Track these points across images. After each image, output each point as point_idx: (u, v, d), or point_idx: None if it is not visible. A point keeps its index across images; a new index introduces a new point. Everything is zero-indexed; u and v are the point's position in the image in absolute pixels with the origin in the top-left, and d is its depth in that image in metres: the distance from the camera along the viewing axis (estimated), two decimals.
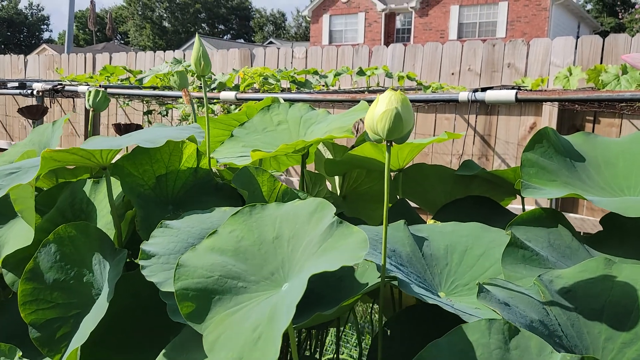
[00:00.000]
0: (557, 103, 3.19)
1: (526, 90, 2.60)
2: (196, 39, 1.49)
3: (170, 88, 3.18)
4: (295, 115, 1.71)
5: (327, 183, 1.83)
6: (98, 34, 41.12)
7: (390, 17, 23.36)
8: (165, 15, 48.24)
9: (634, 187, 1.23)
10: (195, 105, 3.10)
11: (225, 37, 51.80)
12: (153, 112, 4.50)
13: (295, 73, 3.26)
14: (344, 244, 0.73)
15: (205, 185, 1.38)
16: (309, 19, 25.55)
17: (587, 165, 1.31)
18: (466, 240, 1.18)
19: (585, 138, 1.37)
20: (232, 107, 2.48)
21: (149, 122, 4.83)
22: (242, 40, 46.89)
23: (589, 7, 35.19)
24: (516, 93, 1.58)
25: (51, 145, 1.48)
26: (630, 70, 2.76)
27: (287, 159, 1.86)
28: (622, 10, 33.42)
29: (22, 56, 6.55)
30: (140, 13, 46.97)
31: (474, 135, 3.90)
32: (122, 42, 47.62)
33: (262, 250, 0.78)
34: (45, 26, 48.96)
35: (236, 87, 3.05)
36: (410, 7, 21.78)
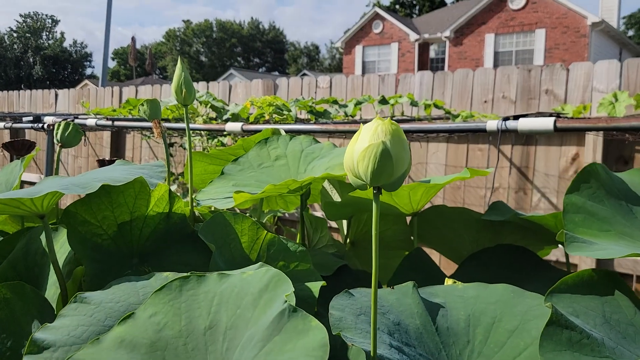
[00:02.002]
0: (602, 132, 2.88)
1: (566, 117, 2.32)
2: (178, 63, 1.30)
3: (182, 120, 3.04)
4: (296, 149, 1.50)
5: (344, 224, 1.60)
6: (138, 69, 42.62)
7: (423, 46, 23.23)
8: (202, 49, 49.70)
9: None
10: (205, 138, 2.94)
11: (260, 69, 52.90)
12: (175, 144, 4.39)
13: (313, 103, 3.07)
14: (293, 349, 0.49)
15: (180, 233, 1.16)
16: (341, 51, 25.71)
17: None
18: (494, 309, 0.91)
19: None
20: (240, 139, 2.30)
21: (170, 155, 4.73)
22: (276, 73, 47.72)
23: (630, 33, 34.27)
24: (555, 121, 1.32)
25: (13, 186, 1.30)
26: None
27: (295, 198, 1.64)
28: None
29: (53, 90, 6.65)
30: (178, 48, 48.55)
31: (510, 167, 3.60)
32: (161, 76, 49.15)
33: (189, 346, 0.55)
34: (87, 62, 51.08)
35: (248, 119, 2.88)
36: (444, 37, 21.61)
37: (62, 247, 1.13)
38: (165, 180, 1.21)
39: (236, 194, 1.17)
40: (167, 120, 3.07)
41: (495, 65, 19.59)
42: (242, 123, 2.18)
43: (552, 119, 1.41)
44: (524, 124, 1.47)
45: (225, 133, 2.54)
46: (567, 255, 1.21)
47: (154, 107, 1.14)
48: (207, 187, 1.41)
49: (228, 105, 3.17)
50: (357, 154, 0.63)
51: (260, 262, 0.72)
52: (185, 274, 0.63)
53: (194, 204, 1.30)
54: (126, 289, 0.73)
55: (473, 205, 3.77)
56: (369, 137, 0.62)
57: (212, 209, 1.29)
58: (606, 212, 1.02)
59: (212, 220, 1.03)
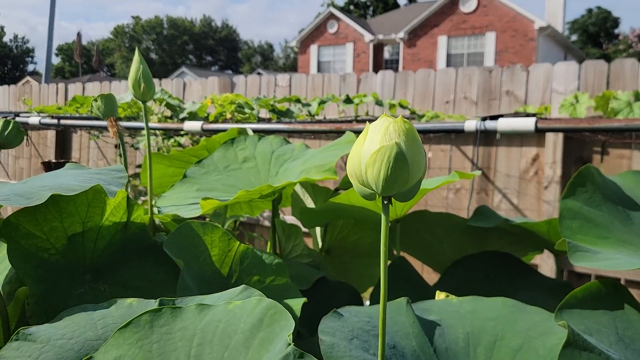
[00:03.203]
0: (562, 134, 2.90)
1: (545, 118, 2.31)
2: (136, 55, 1.17)
3: (134, 118, 2.85)
4: (266, 150, 1.39)
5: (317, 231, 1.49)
6: (84, 66, 41.03)
7: (378, 47, 23.42)
8: (152, 47, 48.38)
9: None
10: (161, 138, 2.77)
11: (212, 68, 52.03)
12: (125, 144, 4.16)
13: (275, 101, 2.95)
14: None
15: (139, 245, 1.03)
16: (296, 50, 25.59)
17: None
18: (495, 325, 0.84)
19: (637, 179, 1.06)
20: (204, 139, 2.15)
21: (121, 156, 4.49)
22: (230, 71, 47.04)
23: (574, 38, 35.85)
24: (536, 122, 1.27)
25: None
26: None
27: (262, 203, 1.52)
28: (606, 42, 34.07)
29: None
30: (127, 45, 47.07)
31: (472, 168, 3.59)
32: (109, 74, 47.46)
33: None
34: (30, 59, 48.68)
35: (207, 118, 2.73)
36: (399, 38, 21.86)
37: (0, 264, 0.98)
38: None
39: (204, 200, 1.05)
40: (118, 118, 2.88)
41: (448, 67, 19.96)
42: (202, 122, 2.04)
43: (533, 119, 1.36)
44: (503, 125, 1.41)
45: (182, 132, 2.39)
46: (557, 264, 1.16)
47: (109, 104, 1.00)
48: (168, 191, 1.28)
49: (184, 104, 3.01)
50: (365, 158, 0.53)
51: (243, 286, 0.61)
52: (156, 307, 0.52)
53: (154, 211, 1.17)
54: (81, 320, 0.60)
55: (435, 207, 3.75)
56: (380, 137, 0.52)
57: (175, 216, 1.16)
58: (604, 218, 0.96)
59: (178, 231, 0.91)
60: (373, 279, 1.36)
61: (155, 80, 5.55)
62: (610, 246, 0.93)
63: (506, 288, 1.13)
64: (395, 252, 1.26)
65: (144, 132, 2.99)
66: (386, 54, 23.68)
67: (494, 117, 1.49)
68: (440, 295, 0.95)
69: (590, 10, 36.57)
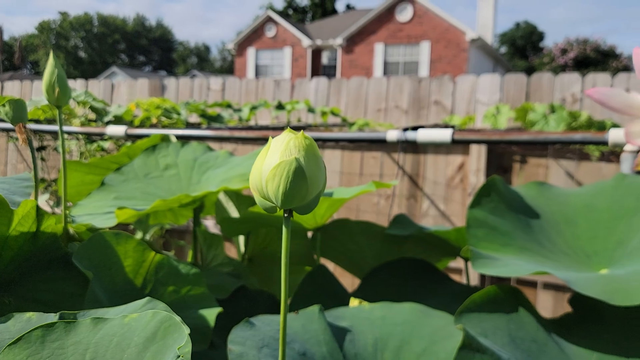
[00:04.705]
0: (486, 143, 3.05)
1: (461, 130, 2.42)
2: (50, 58, 1.12)
3: (54, 121, 2.73)
4: (188, 157, 1.37)
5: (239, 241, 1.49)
6: (5, 62, 38.62)
7: (316, 53, 23.62)
8: (81, 44, 46.29)
9: (601, 252, 0.99)
10: (83, 142, 2.66)
11: (146, 68, 50.47)
12: (48, 147, 3.96)
13: (206, 106, 2.91)
14: None
15: (50, 256, 0.99)
16: (233, 53, 25.33)
17: (545, 223, 1.06)
18: (401, 331, 0.87)
19: (540, 189, 1.14)
20: (130, 144, 2.08)
21: (42, 159, 4.28)
22: (164, 72, 45.78)
23: (503, 50, 37.74)
24: (452, 133, 1.33)
25: None
26: (558, 109, 2.66)
27: (187, 211, 1.50)
28: (532, 54, 36.15)
29: None
30: (53, 42, 44.77)
31: (402, 175, 3.71)
32: (33, 71, 44.91)
33: None
34: None
35: (133, 123, 2.65)
36: (337, 44, 22.15)
37: None
38: (32, 194, 1.02)
39: (119, 210, 1.03)
40: (38, 121, 2.74)
41: (385, 74, 20.48)
42: (125, 127, 1.98)
43: (450, 130, 1.42)
44: (422, 136, 1.47)
45: (106, 137, 2.31)
46: (467, 272, 1.23)
47: (18, 109, 0.96)
48: (84, 200, 1.24)
49: (110, 106, 2.91)
50: (266, 173, 0.54)
51: (148, 298, 0.61)
52: (49, 322, 0.50)
53: (69, 221, 1.13)
54: None
55: (367, 212, 3.83)
56: (280, 153, 0.54)
57: (91, 226, 1.13)
58: (507, 226, 1.03)
59: (89, 242, 0.88)
60: (295, 287, 1.38)
61: (82, 81, 5.32)
62: (511, 253, 1.00)
63: (420, 293, 1.17)
64: (316, 259, 1.29)
65: (65, 135, 2.85)
66: (324, 60, 23.93)
67: (415, 128, 1.55)
68: (353, 302, 0.98)
69: (518, 24, 38.68)
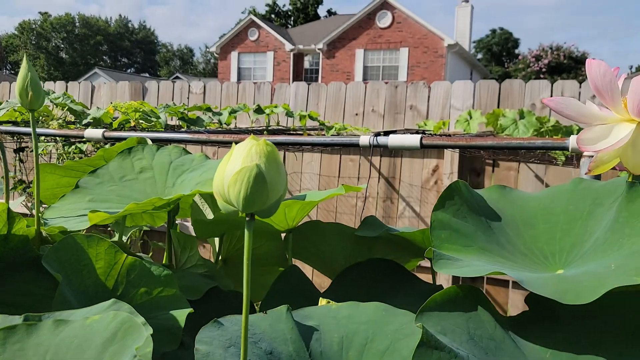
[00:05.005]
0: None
1: (430, 134, 2.47)
2: (24, 62, 1.14)
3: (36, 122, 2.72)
4: (164, 160, 1.39)
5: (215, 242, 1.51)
6: None
7: (298, 57, 23.70)
8: (62, 45, 45.65)
9: (558, 253, 1.03)
10: (61, 145, 2.65)
11: (129, 70, 49.97)
12: (26, 149, 3.93)
13: (185, 109, 2.93)
14: None
15: (21, 258, 1.00)
16: (217, 56, 25.26)
17: (505, 225, 1.11)
18: (366, 329, 0.91)
19: (501, 193, 1.18)
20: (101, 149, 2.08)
21: (21, 161, 4.24)
22: (147, 75, 45.42)
23: (480, 56, 38.31)
24: (421, 138, 1.38)
25: None
26: (527, 115, 2.74)
27: (164, 213, 1.52)
28: (508, 61, 36.80)
29: None
30: (34, 42, 44.08)
31: (379, 177, 3.76)
32: (12, 72, 44.15)
33: None
34: None
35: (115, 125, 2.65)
36: (318, 49, 22.26)
37: None
38: (3, 197, 1.04)
39: (92, 213, 1.05)
40: (15, 123, 2.73)
41: (365, 79, 20.66)
42: (103, 129, 1.99)
43: (419, 136, 1.47)
44: (393, 140, 1.52)
45: (84, 140, 2.31)
46: (433, 273, 1.27)
47: None
48: (57, 202, 1.25)
49: (89, 109, 2.91)
50: (228, 178, 0.57)
51: (113, 299, 0.63)
52: (11, 324, 0.52)
53: (42, 223, 1.14)
54: None
55: (345, 214, 3.88)
56: (242, 159, 0.57)
57: (63, 229, 1.14)
58: (469, 229, 1.07)
59: (59, 244, 0.90)
60: (268, 287, 1.41)
61: (62, 83, 5.28)
62: (472, 254, 1.04)
63: (388, 293, 1.21)
64: (289, 262, 1.32)
65: (43, 138, 2.84)
66: (306, 64, 24.01)
67: (387, 133, 1.59)
68: (322, 302, 1.01)
69: (494, 31, 39.36)
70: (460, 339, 0.83)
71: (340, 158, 3.80)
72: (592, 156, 1.26)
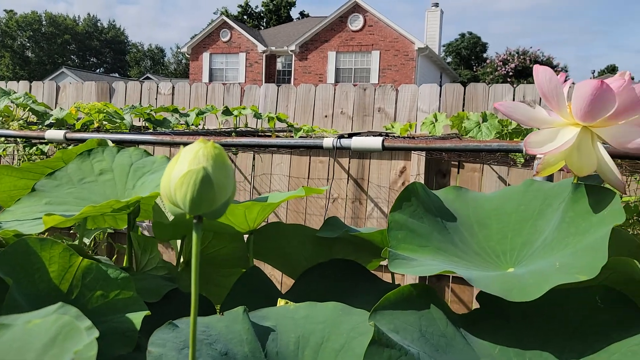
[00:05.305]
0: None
1: (393, 136, 2.50)
2: None
3: None
4: (124, 162, 1.38)
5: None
6: None
7: (271, 58, 23.65)
8: (28, 44, 44.48)
9: (509, 252, 1.07)
10: (22, 146, 2.60)
11: (98, 70, 49.01)
12: None
13: (152, 110, 2.90)
14: None
15: None
16: (188, 56, 25.00)
17: (460, 225, 1.14)
18: (322, 328, 0.92)
19: (457, 194, 1.21)
20: (59, 151, 2.04)
21: None
22: (116, 75, 44.61)
23: (449, 59, 38.94)
24: (383, 141, 1.40)
25: None
26: (490, 118, 2.80)
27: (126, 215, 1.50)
28: (476, 64, 37.53)
29: None
30: None
31: (348, 179, 3.79)
32: None
33: None
34: None
35: (83, 126, 2.61)
36: (290, 51, 22.25)
37: None
38: None
39: (47, 216, 1.03)
40: None
41: (337, 81, 20.77)
42: (65, 130, 1.96)
43: (381, 138, 1.49)
44: (356, 143, 1.54)
45: (45, 141, 2.26)
46: (392, 275, 1.29)
47: None
48: (13, 205, 1.23)
49: (53, 110, 2.85)
50: (174, 180, 0.58)
51: (60, 303, 0.63)
52: None
53: None
54: None
55: (315, 215, 3.89)
56: (189, 161, 0.58)
57: (17, 232, 1.12)
58: (424, 229, 1.09)
59: (10, 247, 0.89)
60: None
61: (25, 83, 5.16)
62: (428, 253, 1.06)
63: (349, 293, 1.23)
64: (250, 262, 1.32)
65: (3, 139, 2.77)
66: (279, 65, 23.97)
67: (351, 135, 1.61)
68: (280, 303, 1.02)
69: (463, 35, 40.08)
70: (412, 336, 0.85)
71: (310, 160, 3.81)
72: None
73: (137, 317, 0.93)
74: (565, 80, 1.00)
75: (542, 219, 1.09)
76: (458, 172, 3.20)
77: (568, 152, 0.96)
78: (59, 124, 2.66)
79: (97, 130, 2.27)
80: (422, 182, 3.23)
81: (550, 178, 1.34)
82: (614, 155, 1.04)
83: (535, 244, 1.05)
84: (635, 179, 2.32)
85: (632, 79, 0.89)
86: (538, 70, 0.95)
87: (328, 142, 1.62)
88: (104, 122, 2.28)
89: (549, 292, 0.84)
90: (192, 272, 0.60)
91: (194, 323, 0.59)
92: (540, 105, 1.03)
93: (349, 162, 3.67)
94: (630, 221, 2.47)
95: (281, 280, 3.70)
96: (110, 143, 1.53)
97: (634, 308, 0.86)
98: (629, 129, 0.90)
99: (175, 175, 0.58)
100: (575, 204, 0.99)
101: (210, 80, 23.48)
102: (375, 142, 1.50)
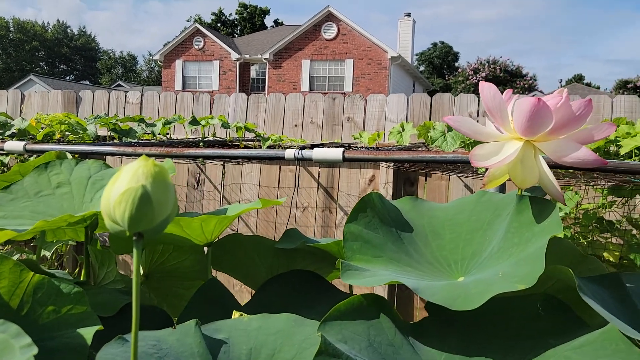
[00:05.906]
0: None
1: (360, 147, 2.54)
2: None
3: None
4: (82, 175, 1.37)
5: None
6: None
7: (245, 66, 23.61)
8: None
9: (460, 261, 1.10)
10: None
11: (68, 77, 48.12)
12: None
13: (118, 120, 2.87)
14: None
15: None
16: (161, 64, 24.78)
17: (415, 236, 1.17)
18: (274, 340, 0.93)
19: (413, 204, 1.24)
20: (16, 164, 2.01)
21: None
22: (87, 82, 43.87)
23: (422, 68, 39.50)
24: (343, 152, 1.43)
25: None
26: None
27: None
28: (448, 73, 38.18)
29: None
30: None
31: (318, 187, 3.81)
32: None
33: None
34: None
35: (46, 137, 2.57)
36: (265, 59, 22.26)
37: None
38: None
39: None
40: None
41: (311, 89, 20.86)
42: (25, 142, 1.93)
43: (341, 150, 1.52)
44: (317, 154, 1.56)
45: (4, 152, 2.22)
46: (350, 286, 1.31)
47: None
48: None
49: (14, 120, 2.80)
50: (114, 198, 0.59)
51: (1, 320, 0.63)
52: None
53: None
54: None
55: (284, 224, 3.90)
56: (128, 180, 0.59)
57: None
58: (379, 240, 1.12)
59: None
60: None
61: None
62: (381, 264, 1.08)
63: (307, 304, 1.24)
64: (209, 274, 1.32)
65: None
66: (253, 73, 23.95)
67: (313, 147, 1.63)
68: (235, 315, 1.03)
69: (435, 44, 40.77)
70: (359, 345, 0.87)
71: (280, 169, 3.82)
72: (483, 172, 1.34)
73: (88, 332, 0.93)
74: (531, 91, 1.04)
75: (491, 229, 1.12)
76: (426, 180, 3.25)
77: (512, 165, 1.00)
78: (21, 134, 2.62)
79: (59, 141, 2.24)
80: (391, 190, 3.27)
81: (502, 189, 1.39)
82: (553, 167, 1.09)
83: (484, 253, 1.09)
84: (593, 187, 2.40)
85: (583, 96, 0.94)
86: (483, 87, 0.99)
87: (290, 153, 1.63)
88: (67, 133, 2.25)
89: (493, 300, 0.87)
90: (133, 288, 0.60)
91: (135, 337, 0.60)
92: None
93: (319, 171, 3.69)
94: (589, 227, 2.54)
95: (252, 292, 3.69)
96: (69, 155, 1.52)
97: (572, 315, 0.89)
98: (566, 144, 0.94)
99: (115, 194, 0.58)
100: (520, 215, 1.03)
101: (184, 88, 23.31)
102: (336, 154, 1.53)
